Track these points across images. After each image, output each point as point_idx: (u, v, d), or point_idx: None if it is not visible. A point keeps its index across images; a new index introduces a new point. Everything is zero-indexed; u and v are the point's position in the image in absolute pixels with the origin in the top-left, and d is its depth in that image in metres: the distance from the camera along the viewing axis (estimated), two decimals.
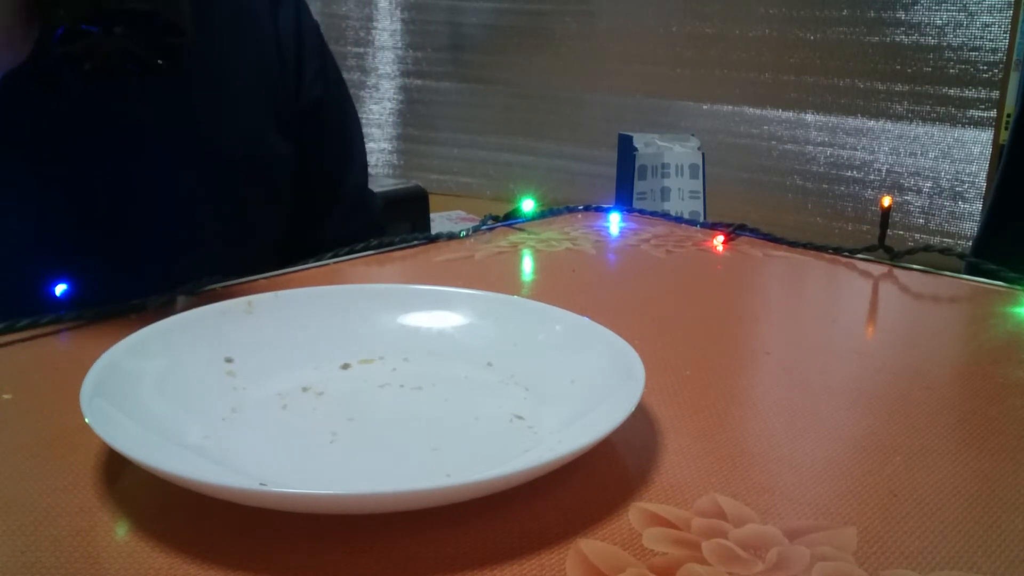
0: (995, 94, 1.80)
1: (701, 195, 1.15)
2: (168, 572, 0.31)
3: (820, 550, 0.33)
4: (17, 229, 0.65)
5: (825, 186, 2.03)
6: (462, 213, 2.39)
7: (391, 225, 0.91)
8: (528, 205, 0.84)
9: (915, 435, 0.42)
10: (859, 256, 0.73)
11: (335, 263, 0.69)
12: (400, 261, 0.71)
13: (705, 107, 2.16)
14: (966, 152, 1.86)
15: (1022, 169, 1.04)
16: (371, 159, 2.74)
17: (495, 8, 2.41)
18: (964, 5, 1.80)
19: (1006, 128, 1.70)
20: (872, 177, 1.98)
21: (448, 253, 0.73)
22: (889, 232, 0.72)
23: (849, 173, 2.00)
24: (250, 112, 0.75)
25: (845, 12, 1.93)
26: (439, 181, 2.61)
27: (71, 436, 0.40)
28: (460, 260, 0.71)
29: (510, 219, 0.83)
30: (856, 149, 1.98)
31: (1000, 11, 1.77)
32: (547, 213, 0.86)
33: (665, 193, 1.13)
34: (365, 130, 2.91)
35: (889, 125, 1.93)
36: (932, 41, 1.85)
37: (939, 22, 1.83)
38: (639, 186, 1.13)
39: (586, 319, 0.47)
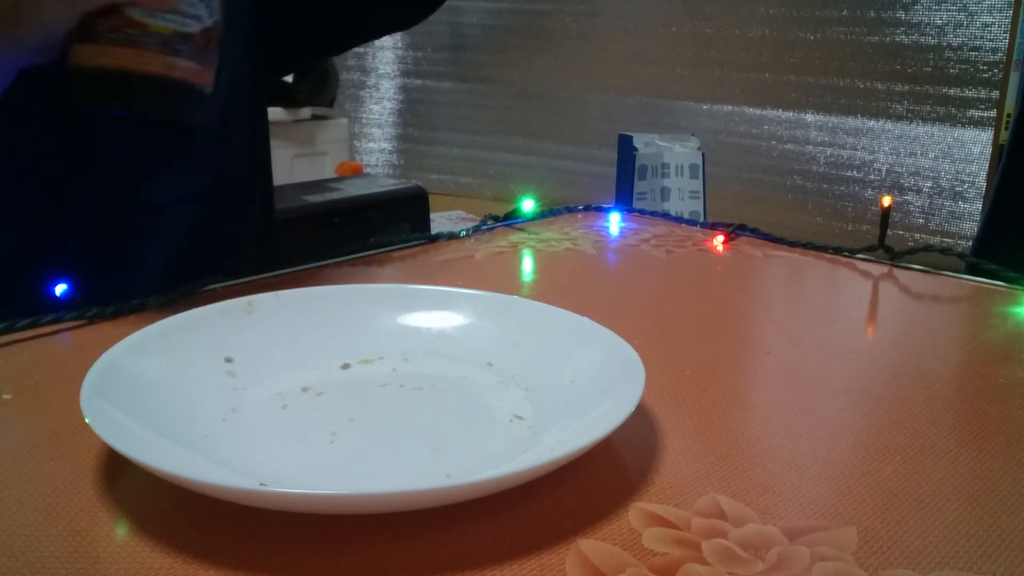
0: (995, 94, 1.80)
1: (701, 195, 1.15)
2: (168, 572, 0.31)
3: (820, 550, 0.33)
4: (18, 224, 0.65)
5: (825, 186, 2.03)
6: (462, 213, 2.39)
7: (391, 225, 0.91)
8: (528, 205, 0.84)
9: (915, 435, 0.42)
10: (859, 256, 0.73)
11: (335, 263, 0.69)
12: (400, 261, 0.71)
13: (705, 107, 2.16)
14: (966, 152, 1.86)
15: (1022, 169, 1.03)
16: (371, 159, 2.75)
17: (495, 8, 2.41)
18: (964, 5, 1.80)
19: (1006, 128, 1.70)
20: (872, 177, 1.97)
21: (448, 253, 0.73)
22: (889, 232, 0.72)
23: (849, 173, 2.00)
24: None
25: (845, 12, 1.93)
26: (439, 181, 2.61)
27: (71, 436, 0.40)
28: (460, 260, 0.71)
29: (510, 219, 0.83)
30: (856, 149, 1.98)
31: (1000, 11, 1.77)
32: (547, 213, 0.86)
33: (665, 193, 1.13)
34: (365, 130, 2.91)
35: (889, 125, 1.93)
36: (932, 41, 1.84)
37: (939, 22, 1.83)
38: (639, 186, 1.13)
39: (586, 319, 0.47)
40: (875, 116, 1.94)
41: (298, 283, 0.63)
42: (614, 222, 0.85)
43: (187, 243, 0.72)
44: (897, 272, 0.70)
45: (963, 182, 1.87)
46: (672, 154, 1.13)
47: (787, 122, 2.06)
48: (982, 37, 1.79)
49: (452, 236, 0.77)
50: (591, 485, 0.37)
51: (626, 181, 1.13)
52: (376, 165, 2.74)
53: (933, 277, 0.69)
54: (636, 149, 1.12)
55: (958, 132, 1.85)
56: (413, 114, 2.66)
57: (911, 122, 1.90)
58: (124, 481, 0.37)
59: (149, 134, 0.69)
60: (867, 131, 1.96)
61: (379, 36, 0.90)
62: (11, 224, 0.65)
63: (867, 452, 0.41)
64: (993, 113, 1.81)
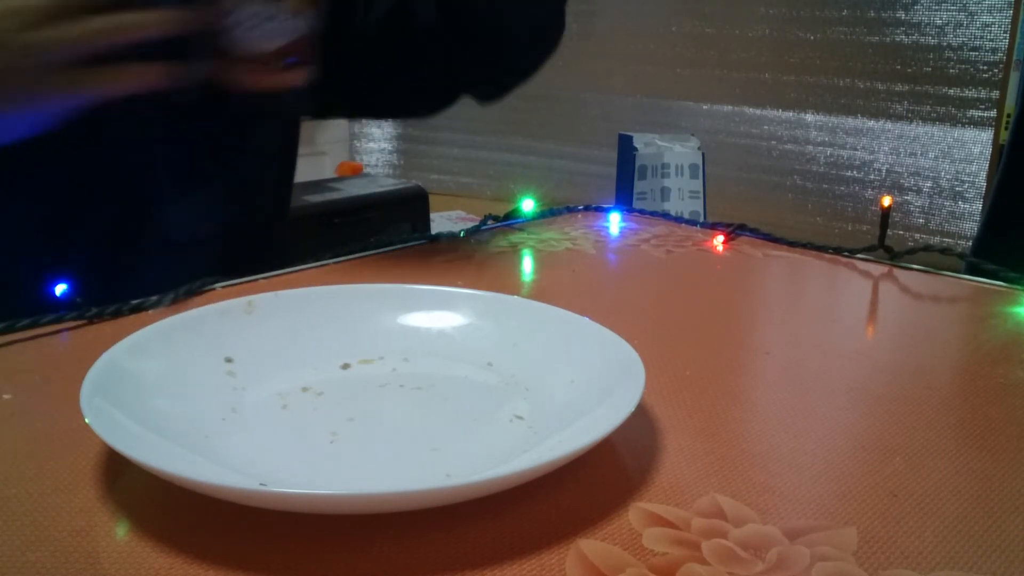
0: (995, 94, 1.80)
1: (701, 195, 1.15)
2: (168, 572, 0.31)
3: (820, 550, 0.33)
4: (20, 223, 0.65)
5: (825, 186, 2.03)
6: (462, 213, 2.39)
7: (391, 225, 0.91)
8: (528, 205, 0.84)
9: (915, 435, 0.42)
10: (859, 256, 0.73)
11: (335, 263, 0.69)
12: (400, 261, 0.71)
13: (705, 107, 2.16)
14: (966, 152, 1.86)
15: (1022, 169, 1.04)
16: (371, 159, 2.75)
17: None
18: (964, 5, 1.80)
19: (1006, 128, 1.70)
20: (872, 177, 1.98)
21: (448, 253, 0.73)
22: (889, 232, 0.72)
23: (849, 173, 2.00)
24: None
25: (845, 12, 1.93)
26: (439, 181, 2.61)
27: (71, 436, 0.40)
28: (460, 260, 0.71)
29: (510, 219, 0.83)
30: (856, 149, 1.99)
31: (1000, 11, 1.77)
32: (547, 213, 0.86)
33: (665, 193, 1.13)
34: (365, 130, 2.90)
35: (889, 125, 1.93)
36: (932, 41, 1.85)
37: (939, 22, 1.83)
38: (639, 186, 1.13)
39: (586, 319, 0.47)
40: (875, 116, 1.94)
41: (298, 283, 0.63)
42: (614, 222, 0.85)
43: (203, 271, 0.72)
44: (897, 272, 0.70)
45: (963, 182, 1.87)
46: (672, 154, 1.13)
47: (787, 122, 2.06)
48: (982, 37, 1.79)
49: (452, 236, 0.77)
50: (591, 485, 0.37)
51: (626, 181, 1.13)
52: (376, 165, 2.74)
53: (933, 277, 0.69)
54: (636, 149, 1.12)
55: (958, 132, 1.86)
56: None
57: (911, 122, 1.90)
58: (124, 481, 0.37)
59: (165, 158, 0.69)
60: (867, 131, 1.96)
61: (395, 118, 0.89)
62: (19, 244, 0.65)
63: (867, 452, 0.41)
64: (993, 113, 1.81)
